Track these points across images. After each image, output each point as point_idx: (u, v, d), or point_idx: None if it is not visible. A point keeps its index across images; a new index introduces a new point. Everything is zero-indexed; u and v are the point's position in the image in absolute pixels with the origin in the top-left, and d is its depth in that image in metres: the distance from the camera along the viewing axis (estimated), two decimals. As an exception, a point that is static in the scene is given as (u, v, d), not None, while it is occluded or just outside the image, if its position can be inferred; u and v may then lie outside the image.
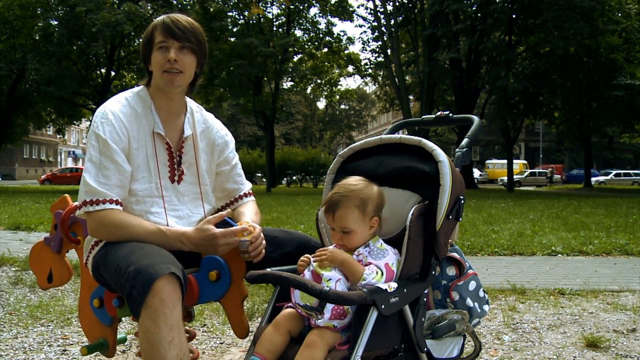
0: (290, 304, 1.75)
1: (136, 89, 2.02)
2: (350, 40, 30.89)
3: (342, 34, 34.30)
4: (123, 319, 2.94)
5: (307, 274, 1.70)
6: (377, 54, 31.27)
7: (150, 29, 1.93)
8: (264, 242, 1.87)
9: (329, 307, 1.60)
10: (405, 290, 1.64)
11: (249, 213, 2.09)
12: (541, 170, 41.72)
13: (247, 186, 2.23)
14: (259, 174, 37.05)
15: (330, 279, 1.61)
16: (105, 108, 1.91)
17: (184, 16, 1.95)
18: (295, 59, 31.12)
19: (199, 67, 1.99)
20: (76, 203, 2.21)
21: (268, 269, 1.70)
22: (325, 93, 35.15)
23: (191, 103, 2.10)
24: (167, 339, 1.56)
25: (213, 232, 1.79)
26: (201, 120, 2.10)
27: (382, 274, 1.63)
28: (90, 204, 1.82)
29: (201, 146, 2.07)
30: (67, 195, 2.34)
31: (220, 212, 1.90)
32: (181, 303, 1.62)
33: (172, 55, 1.88)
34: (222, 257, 1.85)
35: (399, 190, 1.83)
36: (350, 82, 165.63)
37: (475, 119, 2.12)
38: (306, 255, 1.75)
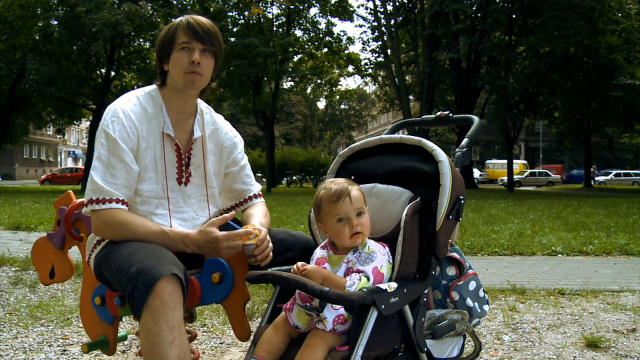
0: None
1: (148, 88, 1.99)
2: (350, 40, 30.88)
3: (342, 34, 34.34)
4: (124, 317, 2.94)
5: None
6: (377, 54, 31.27)
7: (173, 29, 1.91)
8: (270, 245, 1.85)
9: (330, 316, 1.60)
10: (405, 290, 1.63)
11: (258, 215, 2.06)
12: (541, 170, 41.70)
13: (257, 187, 2.21)
14: (259, 174, 37.06)
15: None
16: (115, 106, 1.89)
17: (205, 18, 1.95)
18: (295, 59, 31.12)
19: (215, 70, 1.98)
20: (80, 200, 2.21)
21: (268, 269, 1.70)
22: (325, 93, 35.14)
23: (201, 104, 2.07)
24: (169, 339, 1.55)
25: (216, 235, 1.77)
26: (210, 122, 2.08)
27: (368, 279, 1.61)
28: (97, 202, 1.81)
29: (210, 148, 2.06)
30: (70, 191, 2.34)
31: (225, 215, 1.87)
32: (182, 304, 1.62)
33: (196, 57, 1.86)
34: (225, 260, 1.83)
35: (390, 186, 1.82)
36: (350, 82, 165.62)
37: (475, 119, 2.12)
38: (298, 265, 1.69)
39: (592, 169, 40.58)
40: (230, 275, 1.83)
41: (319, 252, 1.76)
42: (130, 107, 1.90)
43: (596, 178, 39.20)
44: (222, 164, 2.11)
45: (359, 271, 1.62)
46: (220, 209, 2.15)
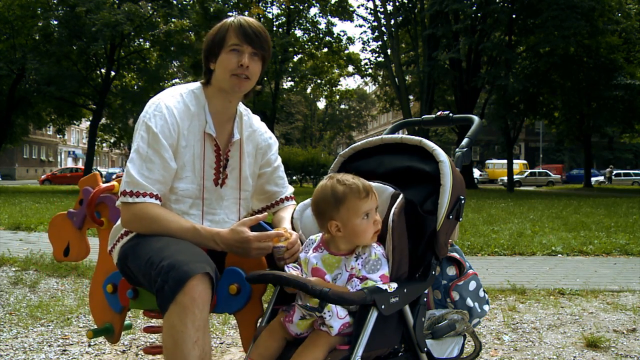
0: (284, 307, 1.74)
1: (191, 85, 1.97)
2: (350, 40, 30.97)
3: (342, 34, 34.45)
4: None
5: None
6: (377, 54, 31.32)
7: (225, 29, 1.88)
8: (300, 248, 1.82)
9: (337, 325, 1.58)
10: (405, 290, 1.63)
11: (289, 218, 2.03)
12: (541, 170, 41.71)
13: (289, 190, 2.19)
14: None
15: None
16: (159, 100, 1.88)
17: (255, 21, 1.93)
18: (295, 59, 31.16)
19: (262, 74, 1.97)
20: (106, 185, 2.21)
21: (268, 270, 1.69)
22: (325, 93, 35.22)
23: (240, 106, 2.05)
24: (193, 339, 1.54)
25: (247, 235, 1.75)
26: (248, 124, 2.06)
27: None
28: (130, 195, 1.79)
29: (247, 150, 2.04)
30: (97, 172, 2.33)
31: (257, 215, 1.86)
32: (210, 304, 1.60)
33: (245, 60, 1.85)
34: (245, 273, 1.81)
35: (376, 183, 1.79)
36: (350, 82, 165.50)
37: (475, 119, 2.12)
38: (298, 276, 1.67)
39: (609, 168, 40.61)
40: (248, 289, 1.81)
41: (312, 260, 1.69)
42: (173, 103, 1.88)
43: (598, 178, 39.19)
44: (257, 165, 2.10)
45: (364, 278, 1.60)
46: (250, 211, 2.13)
